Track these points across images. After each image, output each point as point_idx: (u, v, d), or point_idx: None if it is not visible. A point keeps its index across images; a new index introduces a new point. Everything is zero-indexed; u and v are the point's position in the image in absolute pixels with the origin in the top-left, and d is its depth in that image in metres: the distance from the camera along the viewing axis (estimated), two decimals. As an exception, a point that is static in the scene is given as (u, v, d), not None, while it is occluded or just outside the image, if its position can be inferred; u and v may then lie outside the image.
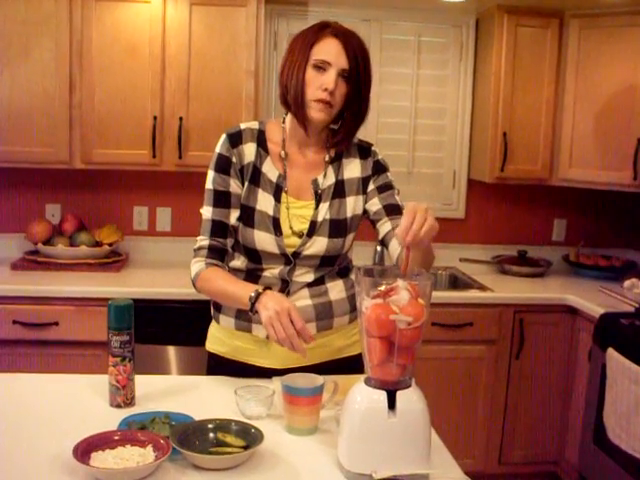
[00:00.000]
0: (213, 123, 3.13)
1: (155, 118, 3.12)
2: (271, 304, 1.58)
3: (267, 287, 1.68)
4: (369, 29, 3.55)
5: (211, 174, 1.83)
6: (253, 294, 1.63)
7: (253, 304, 1.63)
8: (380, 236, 1.86)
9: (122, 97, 3.12)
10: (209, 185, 1.83)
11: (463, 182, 3.79)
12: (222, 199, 1.81)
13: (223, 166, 1.81)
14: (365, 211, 1.89)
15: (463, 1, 3.44)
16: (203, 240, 1.81)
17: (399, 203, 1.86)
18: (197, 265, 1.80)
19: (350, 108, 1.78)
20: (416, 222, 1.42)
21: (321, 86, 1.71)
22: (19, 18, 3.01)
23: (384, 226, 1.84)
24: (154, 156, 3.15)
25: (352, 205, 1.86)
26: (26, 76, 3.05)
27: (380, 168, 1.90)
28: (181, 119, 3.13)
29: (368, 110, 1.83)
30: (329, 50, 1.72)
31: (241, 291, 1.68)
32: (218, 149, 1.83)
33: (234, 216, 1.82)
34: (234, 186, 1.81)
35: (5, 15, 3.00)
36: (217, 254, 1.81)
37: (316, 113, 1.74)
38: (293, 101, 1.75)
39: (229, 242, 1.83)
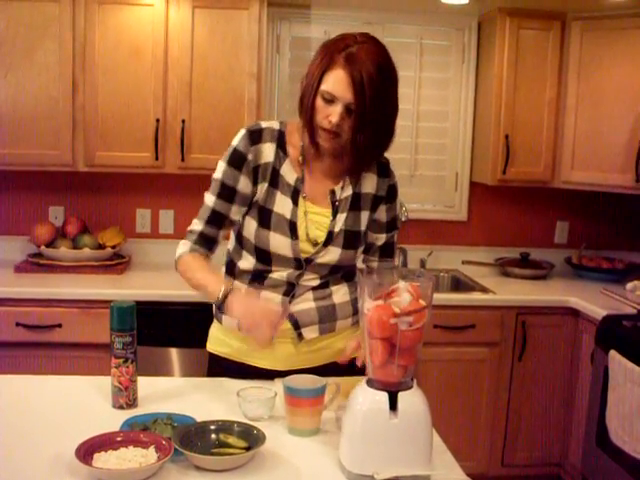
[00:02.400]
0: (215, 126, 3.14)
1: (158, 121, 3.13)
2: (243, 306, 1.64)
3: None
4: (371, 32, 3.47)
5: (222, 165, 1.80)
6: (221, 295, 1.67)
7: (222, 303, 1.67)
8: (361, 260, 1.95)
9: (125, 100, 3.13)
10: (217, 175, 1.81)
11: (465, 184, 3.79)
12: (227, 193, 1.79)
13: (236, 161, 1.79)
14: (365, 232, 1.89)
15: (465, 4, 3.44)
16: (197, 225, 1.83)
17: (395, 242, 1.98)
18: (182, 247, 1.84)
19: (356, 139, 1.72)
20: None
21: (327, 117, 1.69)
22: (23, 21, 3.02)
23: (371, 260, 1.95)
24: (157, 159, 3.16)
25: (366, 219, 1.86)
26: (30, 79, 3.06)
27: (393, 195, 1.92)
28: (184, 122, 3.14)
29: (389, 138, 1.85)
30: (336, 83, 1.67)
31: (212, 286, 1.72)
32: (235, 143, 1.80)
33: (236, 212, 1.81)
34: (243, 183, 1.79)
35: (9, 18, 3.01)
36: (205, 242, 1.83)
37: (323, 142, 1.73)
38: (305, 122, 1.74)
39: (222, 233, 1.85)
